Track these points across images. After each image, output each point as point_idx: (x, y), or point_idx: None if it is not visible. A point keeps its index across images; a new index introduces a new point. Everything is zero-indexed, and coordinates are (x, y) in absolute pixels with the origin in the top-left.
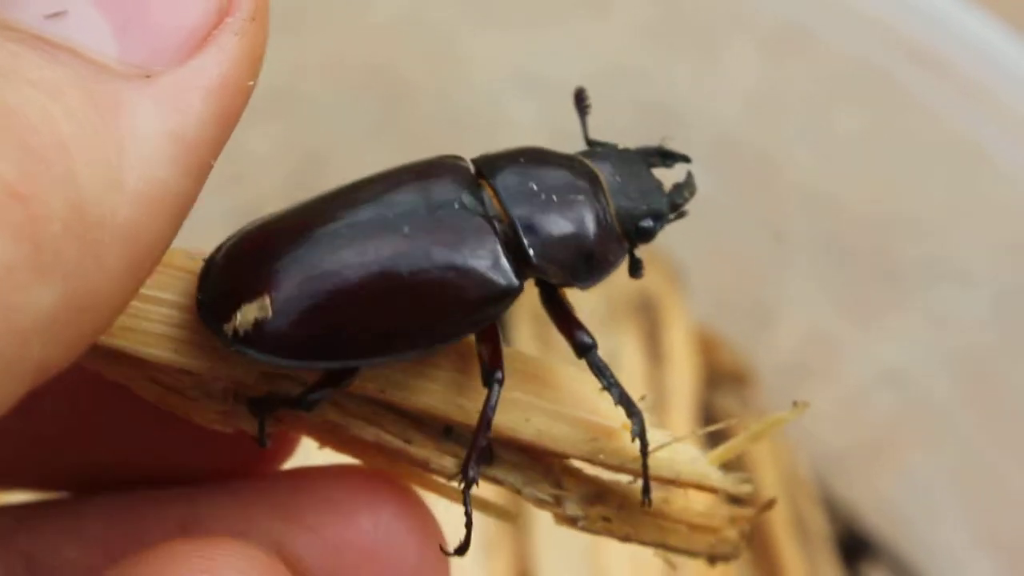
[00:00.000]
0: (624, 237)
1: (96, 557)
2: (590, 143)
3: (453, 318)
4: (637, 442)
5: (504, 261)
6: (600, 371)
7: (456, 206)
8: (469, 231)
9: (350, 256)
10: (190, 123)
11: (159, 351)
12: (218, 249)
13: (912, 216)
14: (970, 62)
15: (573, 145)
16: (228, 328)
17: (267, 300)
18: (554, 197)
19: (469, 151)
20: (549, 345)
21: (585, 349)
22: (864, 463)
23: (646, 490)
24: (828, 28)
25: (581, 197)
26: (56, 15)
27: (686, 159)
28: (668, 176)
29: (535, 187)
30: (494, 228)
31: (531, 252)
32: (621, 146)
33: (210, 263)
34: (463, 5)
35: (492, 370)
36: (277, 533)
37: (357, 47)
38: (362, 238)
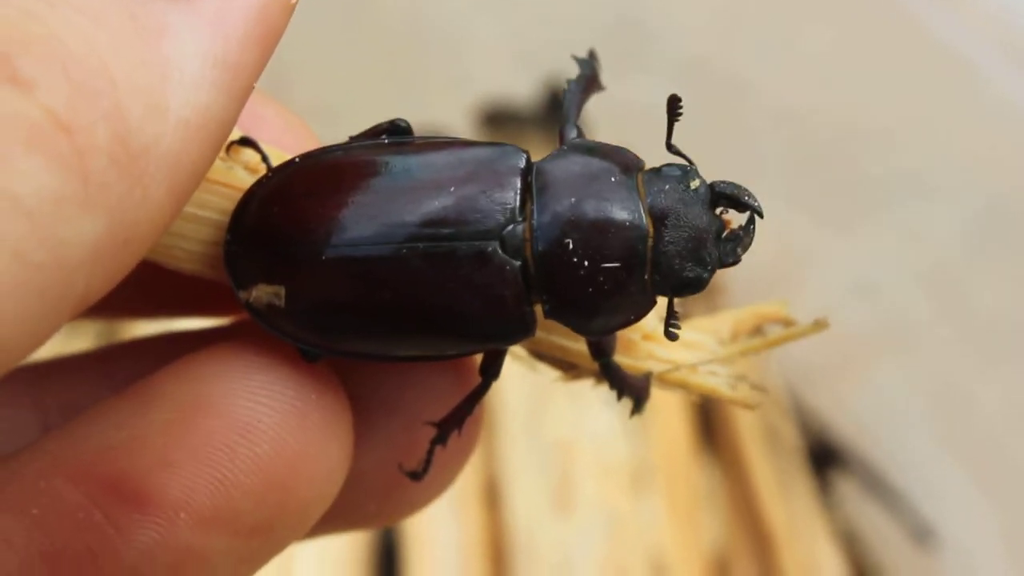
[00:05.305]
0: (656, 294)
1: None
2: (670, 149)
3: (461, 350)
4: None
5: (526, 310)
6: (609, 378)
7: (489, 249)
8: (496, 278)
9: (371, 281)
10: (232, 45)
11: (196, 266)
12: (258, 185)
13: (885, 131)
14: None
15: (538, 63)
16: (243, 296)
17: (283, 292)
18: (587, 263)
19: (435, 66)
20: None
21: (601, 355)
22: (835, 375)
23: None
24: None
25: (617, 265)
26: None
27: (758, 212)
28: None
29: (572, 244)
30: (520, 276)
31: (546, 309)
32: (693, 177)
33: (245, 207)
34: None
35: (490, 371)
36: None
37: None
38: (387, 265)
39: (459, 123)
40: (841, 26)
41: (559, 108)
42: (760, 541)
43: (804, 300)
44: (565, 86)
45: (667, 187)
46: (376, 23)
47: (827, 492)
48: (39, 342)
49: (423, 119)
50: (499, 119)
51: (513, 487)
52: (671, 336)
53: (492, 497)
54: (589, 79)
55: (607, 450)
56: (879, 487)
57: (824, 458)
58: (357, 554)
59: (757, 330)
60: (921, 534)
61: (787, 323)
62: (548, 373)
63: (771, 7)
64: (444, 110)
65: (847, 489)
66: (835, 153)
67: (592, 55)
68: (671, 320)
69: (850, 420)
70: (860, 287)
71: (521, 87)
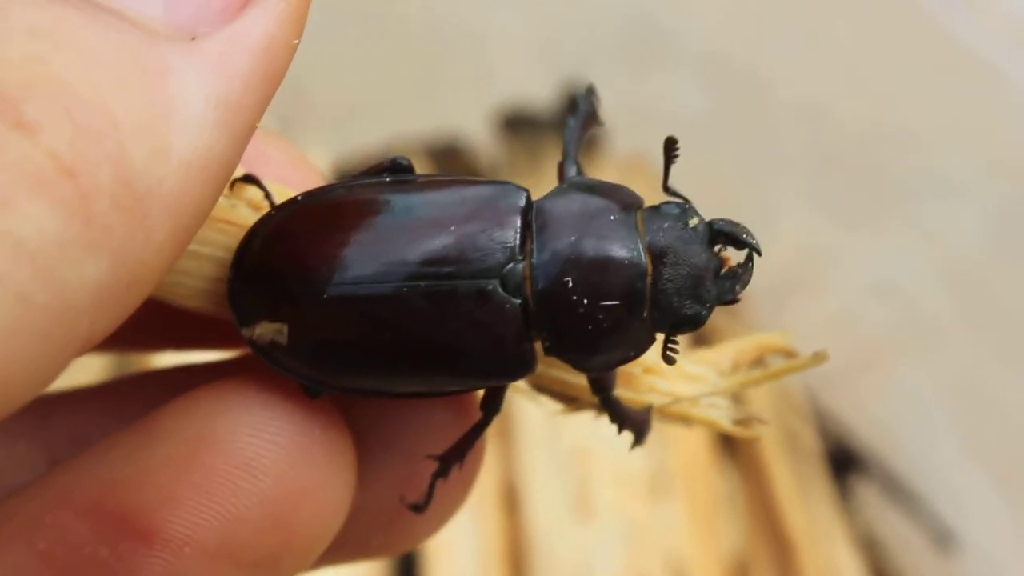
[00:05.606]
0: (656, 331)
1: None
2: (667, 191)
3: (463, 386)
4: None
5: (526, 347)
6: (610, 412)
7: (490, 287)
8: (496, 316)
9: (373, 320)
10: (235, 87)
11: (199, 303)
12: (261, 223)
13: (907, 129)
14: None
15: (563, 64)
16: (246, 333)
17: (285, 329)
18: (586, 301)
19: (454, 67)
20: None
21: (601, 389)
22: (854, 378)
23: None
24: None
25: (617, 303)
26: None
27: (756, 250)
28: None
29: (572, 282)
30: (520, 313)
31: (546, 346)
32: (692, 215)
33: (248, 245)
34: None
35: (490, 406)
36: None
37: None
38: (389, 303)
39: (478, 126)
40: (862, 24)
41: (574, 110)
42: (780, 546)
43: (825, 300)
44: (580, 92)
45: (666, 225)
46: (395, 24)
47: (847, 497)
48: (44, 383)
49: (442, 121)
50: (518, 123)
51: (532, 493)
52: (669, 360)
53: (511, 503)
54: (588, 115)
55: (625, 456)
56: (899, 491)
57: (844, 462)
58: (377, 560)
59: (758, 361)
60: (942, 538)
61: (788, 354)
62: (550, 405)
63: (792, 4)
64: (463, 112)
65: (867, 493)
66: (857, 151)
67: (591, 91)
68: (669, 346)
69: (870, 423)
70: (881, 287)
71: (541, 88)
